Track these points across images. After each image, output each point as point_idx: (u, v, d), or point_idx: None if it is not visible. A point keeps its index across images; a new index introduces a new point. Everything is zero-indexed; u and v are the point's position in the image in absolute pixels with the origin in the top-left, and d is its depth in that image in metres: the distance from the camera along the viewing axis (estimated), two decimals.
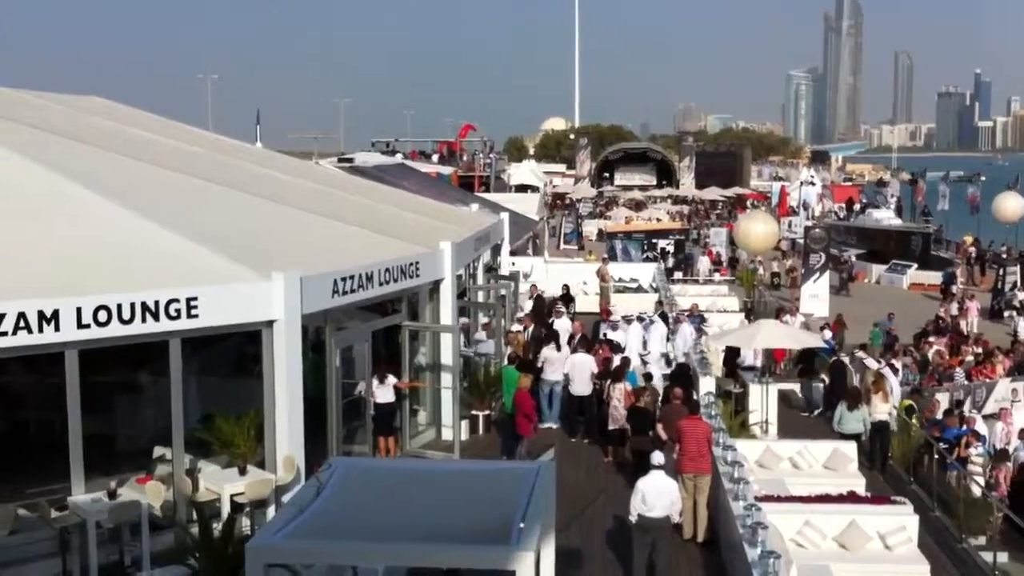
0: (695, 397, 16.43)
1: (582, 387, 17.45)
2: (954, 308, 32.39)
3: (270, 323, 11.86)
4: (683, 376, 17.98)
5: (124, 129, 19.64)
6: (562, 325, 21.74)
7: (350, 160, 44.71)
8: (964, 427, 17.68)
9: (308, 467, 11.76)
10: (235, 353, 13.61)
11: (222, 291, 11.45)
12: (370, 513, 7.12)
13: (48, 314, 10.15)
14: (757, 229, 36.86)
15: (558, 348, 18.32)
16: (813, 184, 68.99)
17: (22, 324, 9.98)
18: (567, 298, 27.39)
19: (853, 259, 45.94)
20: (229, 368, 13.93)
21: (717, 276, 39.79)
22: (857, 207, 69.46)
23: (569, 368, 17.58)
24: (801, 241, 42.58)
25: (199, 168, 17.18)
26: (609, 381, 16.60)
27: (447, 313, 16.68)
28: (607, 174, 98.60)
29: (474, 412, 17.28)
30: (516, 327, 21.20)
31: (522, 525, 6.51)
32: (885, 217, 57.51)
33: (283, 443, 11.93)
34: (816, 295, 34.31)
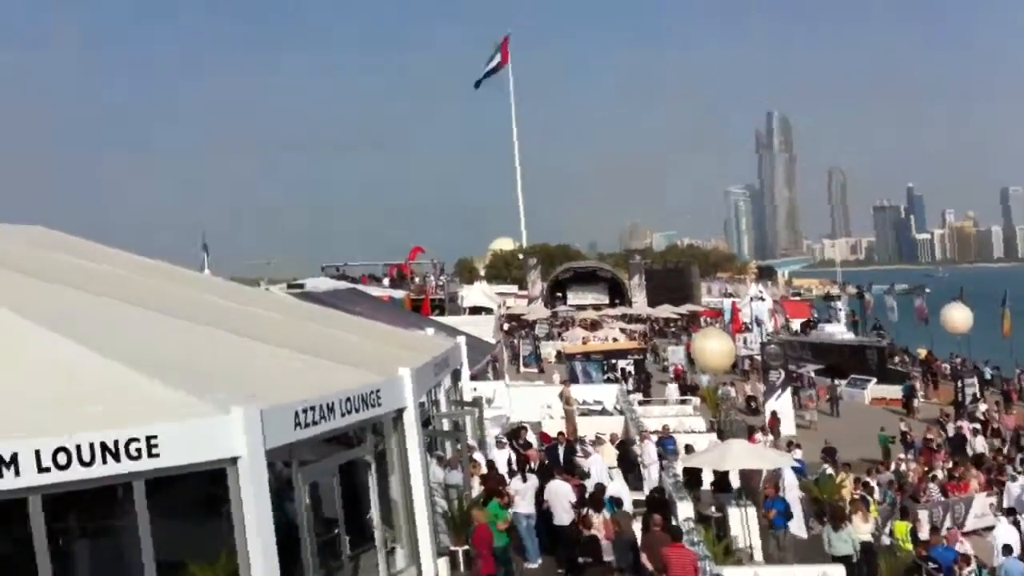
0: (674, 523, 15.77)
1: (562, 516, 16.71)
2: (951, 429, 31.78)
3: (234, 460, 11.11)
4: (660, 502, 17.31)
5: (70, 259, 18.95)
6: (504, 457, 21.09)
7: (300, 286, 44.04)
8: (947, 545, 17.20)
9: None
10: (201, 493, 12.81)
11: (181, 428, 10.74)
12: None
13: (7, 458, 9.53)
14: (713, 346, 36.69)
15: (524, 478, 17.61)
16: (763, 300, 69.56)
17: None
18: (515, 432, 26.51)
19: (812, 374, 45.91)
20: (196, 509, 13.08)
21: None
22: (811, 322, 70.09)
23: (549, 497, 16.84)
24: (759, 357, 42.53)
25: (149, 298, 16.50)
26: (586, 510, 15.87)
27: (413, 443, 15.91)
28: (559, 294, 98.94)
29: (452, 548, 16.39)
30: (478, 456, 20.46)
31: None
32: (838, 331, 58.01)
33: None
34: (780, 412, 33.99)
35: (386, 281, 70.56)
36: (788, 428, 32.64)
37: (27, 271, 16.00)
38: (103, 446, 10.06)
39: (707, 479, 20.92)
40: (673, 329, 77.44)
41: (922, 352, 54.52)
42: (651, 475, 21.02)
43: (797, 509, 20.00)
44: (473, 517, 14.53)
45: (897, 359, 54.22)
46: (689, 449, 23.49)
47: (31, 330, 12.18)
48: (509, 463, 20.97)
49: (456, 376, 25.73)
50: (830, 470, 23.12)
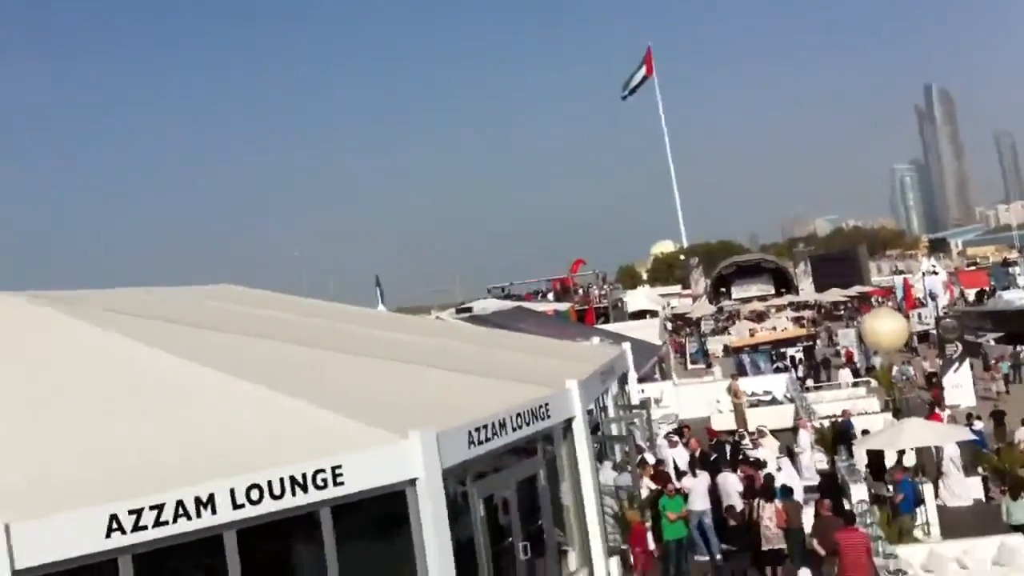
0: (847, 507, 15.95)
1: (733, 506, 17.07)
2: None
3: (412, 481, 11.96)
4: (829, 486, 17.49)
5: (251, 311, 20.45)
6: (677, 454, 21.43)
7: (468, 309, 45.48)
8: None
9: None
10: (382, 514, 13.74)
11: (363, 456, 11.63)
12: None
13: (204, 498, 10.42)
14: (885, 326, 36.13)
15: (694, 474, 18.00)
16: (936, 273, 67.39)
17: (181, 511, 10.27)
18: (679, 431, 26.86)
19: (992, 343, 44.40)
20: (378, 530, 14.05)
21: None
22: (988, 290, 67.46)
23: (720, 490, 17.23)
24: (934, 332, 41.51)
25: (328, 339, 17.72)
26: (758, 500, 16.21)
27: (583, 450, 16.61)
28: (723, 289, 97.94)
29: (623, 547, 17.01)
30: (648, 457, 20.96)
31: None
32: (1017, 297, 55.65)
33: None
34: (959, 385, 33.16)
35: (551, 296, 71.61)
36: (969, 400, 31.83)
37: (208, 325, 17.46)
38: (292, 479, 10.88)
39: (890, 460, 20.88)
40: (843, 312, 75.71)
41: None
42: (803, 463, 21.10)
43: (956, 479, 19.85)
44: (627, 518, 15.10)
45: None
46: (866, 432, 23.38)
47: (215, 377, 13.38)
48: (679, 462, 21.30)
49: (623, 381, 26.35)
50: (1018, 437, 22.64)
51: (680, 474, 18.88)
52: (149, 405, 12.61)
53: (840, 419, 24.68)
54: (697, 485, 17.65)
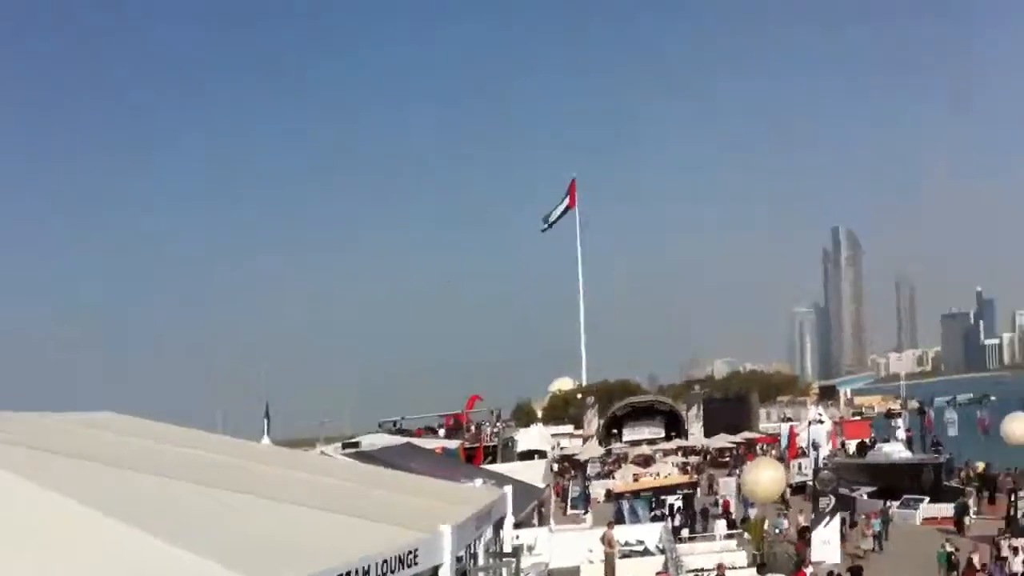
0: None
1: None
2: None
3: None
4: None
5: (131, 440, 20.43)
6: None
7: (356, 444, 45.41)
8: None
9: None
10: None
11: None
12: None
13: None
14: (763, 476, 37.10)
15: None
16: (822, 422, 69.40)
17: None
18: None
19: (864, 497, 45.86)
20: None
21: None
22: (868, 442, 69.66)
23: None
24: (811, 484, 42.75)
25: (201, 473, 17.83)
26: None
27: None
28: (615, 431, 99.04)
29: None
30: None
31: None
32: (895, 451, 57.65)
33: None
34: (827, 541, 34.03)
35: (442, 432, 71.86)
36: (835, 557, 32.72)
37: (85, 455, 17.46)
38: None
39: None
40: (728, 459, 77.26)
41: (980, 466, 53.98)
42: None
43: None
44: None
45: (955, 475, 53.70)
46: None
47: (87, 514, 13.45)
48: None
49: (499, 526, 26.62)
50: None
51: None
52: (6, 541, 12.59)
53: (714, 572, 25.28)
54: None
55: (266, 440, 41.55)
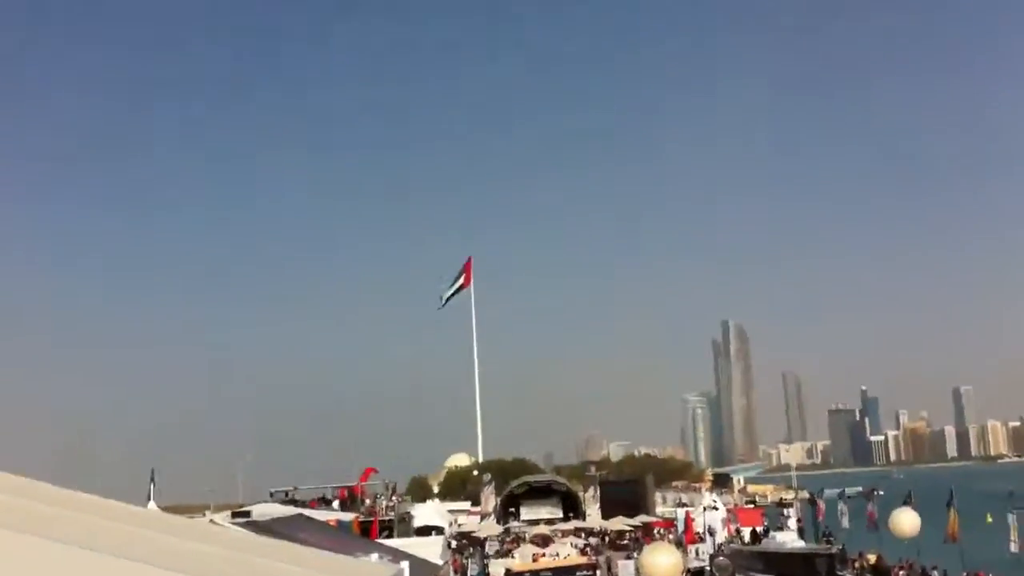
0: None
1: None
2: None
3: None
4: None
5: (8, 500, 19.22)
6: None
7: (247, 514, 43.79)
8: None
9: None
10: None
11: None
12: None
13: None
14: (661, 560, 36.87)
15: None
16: (716, 509, 69.72)
17: None
18: None
19: None
20: None
21: None
22: (760, 530, 69.98)
23: None
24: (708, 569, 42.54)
25: (82, 537, 16.78)
26: None
27: None
28: (512, 509, 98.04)
29: None
30: None
31: None
32: (789, 540, 58.09)
33: None
34: None
35: (336, 504, 70.04)
36: None
37: None
38: None
39: None
40: (626, 542, 76.91)
41: (872, 557, 54.59)
42: None
43: None
44: None
45: (848, 566, 54.19)
46: None
47: None
48: None
49: None
50: None
51: None
52: None
53: None
54: None
55: (152, 505, 39.89)
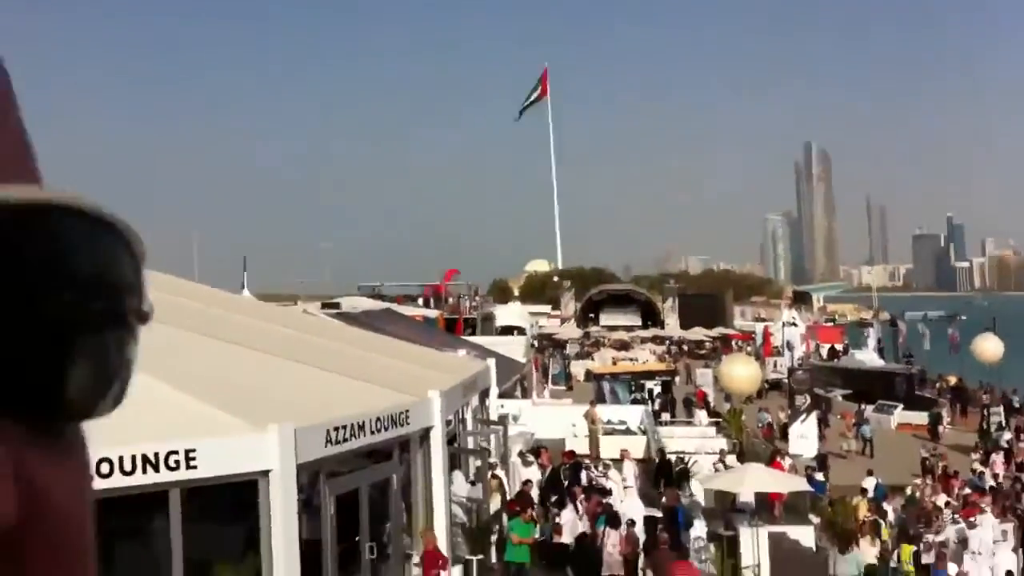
0: (684, 543, 16.48)
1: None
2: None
3: (265, 473, 12.01)
4: (670, 520, 18.01)
5: None
6: (531, 474, 21.86)
7: (336, 305, 45.04)
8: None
9: None
10: (232, 500, 13.71)
11: (219, 443, 11.64)
12: None
13: None
14: (740, 371, 37.25)
15: (576, 509, 18.13)
16: (795, 325, 69.68)
17: None
18: (535, 451, 27.17)
19: (839, 398, 46.24)
20: (227, 515, 13.99)
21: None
22: (839, 348, 70.11)
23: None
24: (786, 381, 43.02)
25: (192, 320, 17.44)
26: (604, 527, 16.62)
27: (438, 460, 16.81)
28: (592, 315, 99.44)
29: (467, 558, 17.24)
30: (500, 473, 21.22)
31: None
32: (868, 358, 58.11)
33: None
34: (804, 436, 34.40)
35: (420, 301, 71.61)
36: (811, 451, 33.04)
37: None
38: (144, 458, 10.94)
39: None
40: (704, 351, 77.84)
41: (952, 379, 54.55)
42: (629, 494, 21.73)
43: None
44: (423, 538, 15.31)
45: (928, 386, 54.33)
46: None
47: None
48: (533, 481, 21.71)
49: (484, 395, 26.63)
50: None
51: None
52: None
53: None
54: (574, 522, 17.85)
55: (246, 293, 41.04)
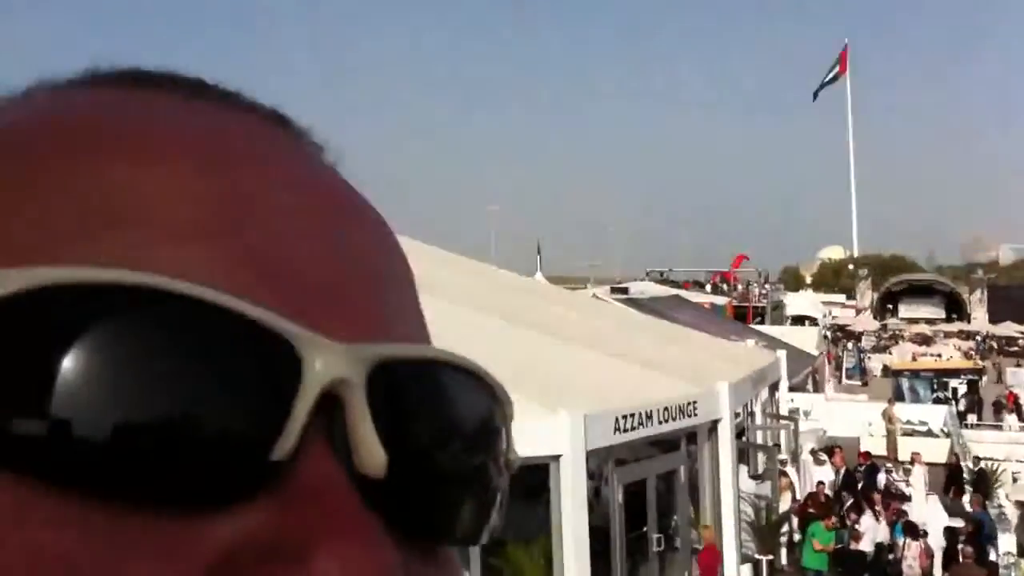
0: (992, 556, 15.40)
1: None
2: None
3: (556, 457, 12.30)
4: (976, 532, 16.86)
5: (416, 267, 20.89)
6: (823, 473, 21.03)
7: (624, 290, 45.43)
8: None
9: None
10: (526, 483, 14.12)
11: (514, 426, 11.97)
12: None
13: None
14: None
15: (875, 515, 17.43)
16: None
17: None
18: (828, 449, 26.17)
19: None
20: (520, 497, 14.42)
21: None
22: None
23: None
24: None
25: (486, 302, 18.06)
26: (904, 537, 15.81)
27: (726, 453, 16.57)
28: (890, 306, 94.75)
29: (757, 557, 16.89)
30: (789, 471, 20.61)
31: None
32: None
33: (571, 572, 12.23)
34: None
35: (708, 287, 70.88)
36: None
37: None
38: None
39: None
40: (1016, 349, 72.40)
41: None
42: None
43: None
44: (702, 536, 14.97)
45: None
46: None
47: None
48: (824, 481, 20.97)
49: (774, 388, 25.97)
50: None
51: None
52: None
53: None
54: (875, 530, 17.13)
55: (539, 276, 42.10)
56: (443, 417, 0.43)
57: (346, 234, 0.44)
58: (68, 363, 0.32)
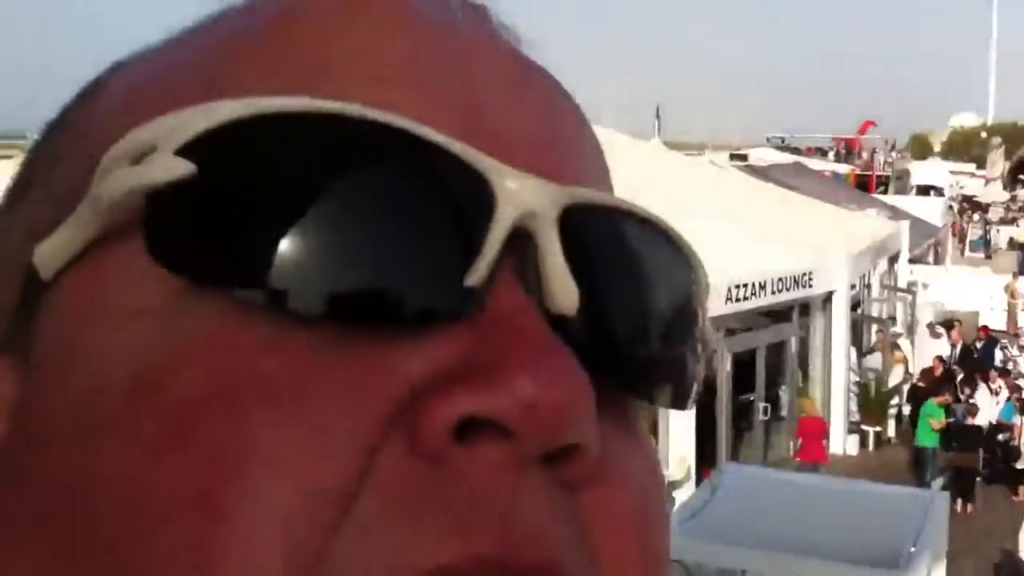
0: None
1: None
2: None
3: None
4: None
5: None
6: (939, 347, 20.76)
7: (744, 157, 44.70)
8: None
9: (697, 468, 12.30)
10: None
11: None
12: (759, 521, 7.50)
13: None
14: None
15: (991, 391, 17.31)
16: None
17: None
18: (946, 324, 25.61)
19: None
20: None
21: None
22: None
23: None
24: None
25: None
26: (1019, 417, 15.77)
27: (839, 326, 16.62)
28: (1021, 176, 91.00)
29: (864, 427, 17.05)
30: (903, 344, 20.38)
31: (912, 550, 6.65)
32: None
33: (676, 443, 12.57)
34: None
35: (831, 155, 69.04)
36: None
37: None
38: None
39: None
40: None
41: None
42: None
43: None
44: (802, 406, 15.01)
45: None
46: None
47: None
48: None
49: (893, 260, 25.59)
50: None
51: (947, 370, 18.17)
52: None
53: None
54: (989, 405, 17.01)
55: (656, 140, 41.59)
56: (635, 268, 0.42)
57: (544, 95, 0.45)
58: (292, 189, 0.34)
